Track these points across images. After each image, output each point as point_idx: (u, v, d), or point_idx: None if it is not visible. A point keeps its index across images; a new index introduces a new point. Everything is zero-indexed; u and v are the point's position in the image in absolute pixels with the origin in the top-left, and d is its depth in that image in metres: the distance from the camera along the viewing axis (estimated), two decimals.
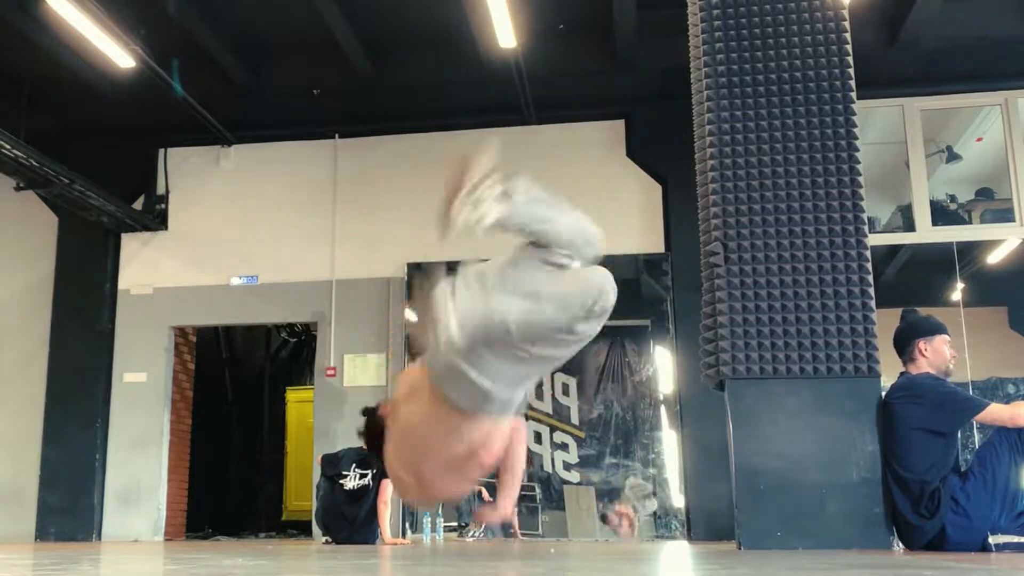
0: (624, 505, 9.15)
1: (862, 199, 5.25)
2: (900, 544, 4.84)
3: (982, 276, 9.89)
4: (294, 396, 13.18)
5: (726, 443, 5.13)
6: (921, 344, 4.96)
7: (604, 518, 9.22)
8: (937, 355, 4.96)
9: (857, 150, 5.32)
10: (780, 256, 5.20)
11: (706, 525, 8.49)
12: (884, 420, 4.89)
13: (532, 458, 9.75)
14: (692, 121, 5.59)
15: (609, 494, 10.12)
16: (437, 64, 9.46)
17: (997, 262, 9.74)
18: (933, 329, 5.01)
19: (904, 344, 5.03)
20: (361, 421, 6.81)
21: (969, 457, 4.94)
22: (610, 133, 9.70)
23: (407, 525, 9.18)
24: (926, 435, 4.73)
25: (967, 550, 4.51)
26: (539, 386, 9.95)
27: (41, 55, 8.88)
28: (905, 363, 5.04)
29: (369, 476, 7.31)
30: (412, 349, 8.31)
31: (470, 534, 9.16)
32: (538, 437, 9.76)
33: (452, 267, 2.72)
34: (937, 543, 4.59)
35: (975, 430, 7.71)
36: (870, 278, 5.17)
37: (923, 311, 5.20)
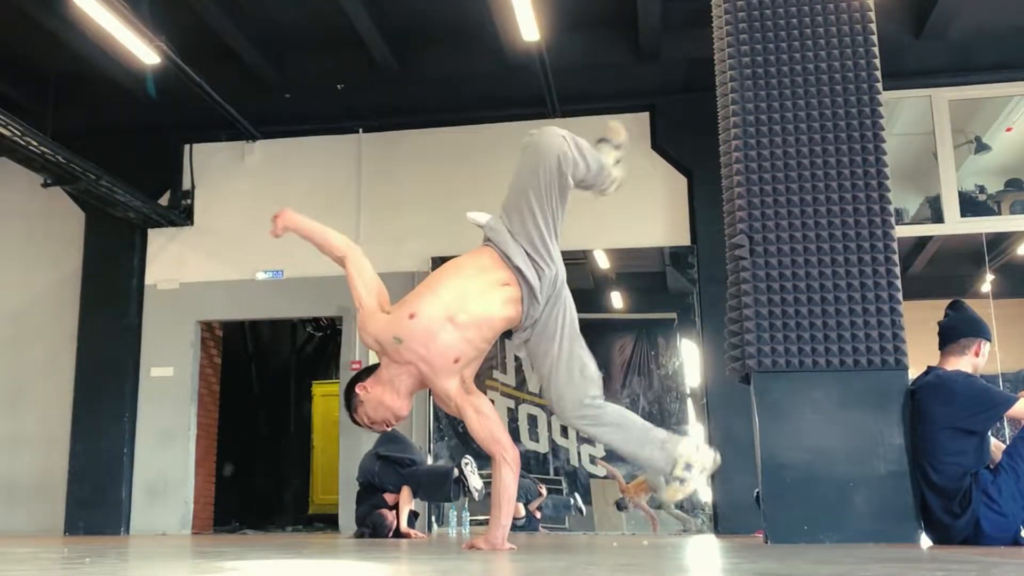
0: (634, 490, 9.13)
1: (888, 190, 5.19)
2: (929, 540, 4.80)
3: (1012, 267, 9.78)
4: (320, 390, 13.22)
5: (752, 436, 5.10)
6: (981, 345, 4.91)
7: (619, 505, 9.23)
8: (983, 358, 4.93)
9: (883, 141, 5.26)
10: (806, 248, 5.16)
11: (733, 519, 8.47)
12: (912, 418, 4.84)
13: (558, 452, 9.73)
14: (717, 113, 5.56)
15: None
16: (461, 58, 9.45)
17: None
18: (989, 333, 4.97)
19: (959, 337, 4.92)
20: None
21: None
22: (635, 125, 9.63)
23: (433, 519, 9.20)
24: (958, 434, 4.66)
25: (1001, 544, 4.47)
26: None
27: (67, 52, 8.95)
28: (946, 354, 4.95)
29: None
30: None
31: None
32: (564, 431, 9.74)
33: None
34: (972, 539, 4.54)
35: (1005, 424, 7.63)
36: (897, 270, 5.12)
37: None
